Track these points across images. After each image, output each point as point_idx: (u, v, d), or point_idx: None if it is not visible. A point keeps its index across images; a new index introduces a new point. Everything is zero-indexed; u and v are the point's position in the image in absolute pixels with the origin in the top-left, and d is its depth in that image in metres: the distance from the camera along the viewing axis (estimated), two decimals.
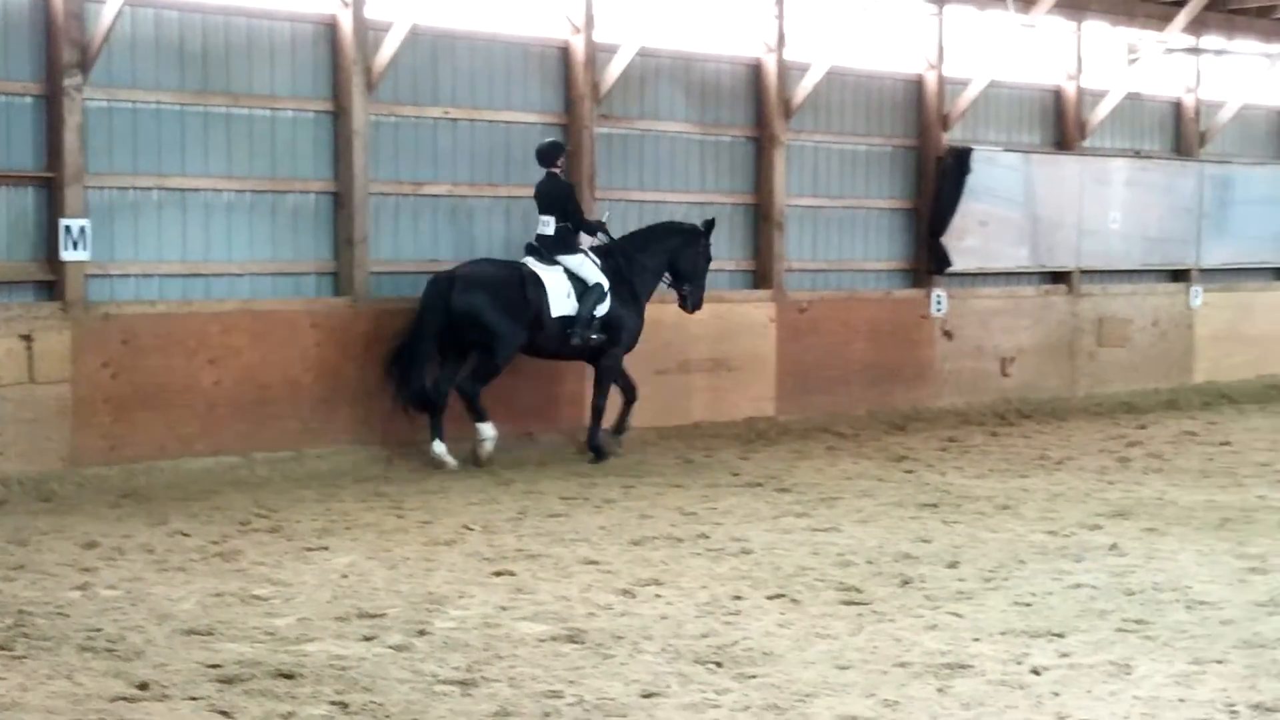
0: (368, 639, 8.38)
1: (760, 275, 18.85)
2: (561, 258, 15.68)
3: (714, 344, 17.99)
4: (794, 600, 9.29)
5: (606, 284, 15.78)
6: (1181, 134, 23.49)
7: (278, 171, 15.35)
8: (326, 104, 15.58)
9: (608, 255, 16.07)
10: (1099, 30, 21.98)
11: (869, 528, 11.79)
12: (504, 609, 9.08)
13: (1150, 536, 11.33)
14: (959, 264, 20.36)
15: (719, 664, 7.87)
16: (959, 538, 11.33)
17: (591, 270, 15.78)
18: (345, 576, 10.02)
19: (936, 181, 20.27)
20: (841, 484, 14.09)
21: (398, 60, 15.74)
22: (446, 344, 15.23)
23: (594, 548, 11.00)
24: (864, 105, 19.93)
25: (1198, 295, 23.17)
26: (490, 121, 16.77)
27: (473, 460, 15.12)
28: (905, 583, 9.76)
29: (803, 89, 18.82)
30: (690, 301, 16.59)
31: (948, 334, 20.16)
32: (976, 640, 8.31)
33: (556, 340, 15.59)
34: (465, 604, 9.21)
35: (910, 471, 14.97)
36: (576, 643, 8.28)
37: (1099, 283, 22.15)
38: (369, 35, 15.58)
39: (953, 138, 20.48)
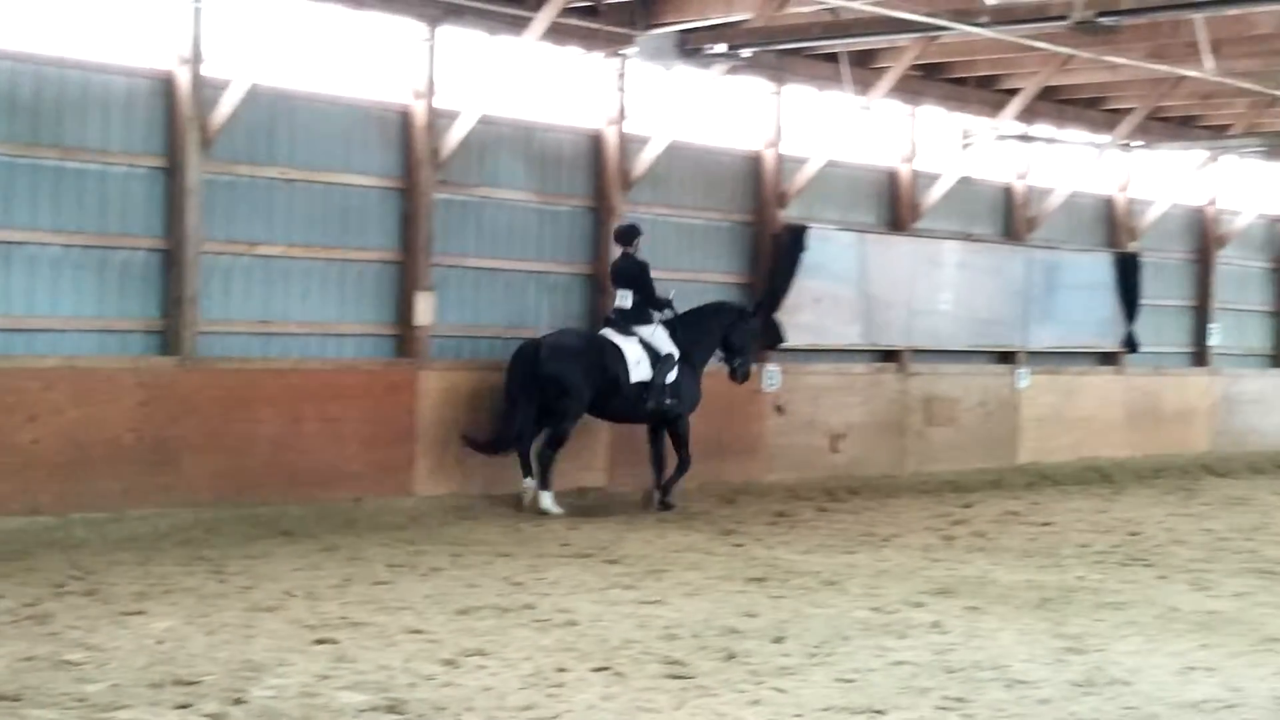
0: (182, 707, 8.18)
1: None
2: (637, 329, 17.34)
3: None
4: (618, 673, 9.23)
5: (677, 354, 17.36)
6: (1011, 219, 23.97)
7: (107, 227, 15.11)
8: (160, 160, 15.38)
9: (672, 328, 17.58)
10: (934, 115, 22.42)
11: (696, 601, 11.78)
12: (324, 678, 8.92)
13: (972, 615, 11.44)
14: (792, 340, 20.57)
15: None
16: (785, 613, 11.36)
17: (664, 341, 17.41)
18: (162, 642, 9.79)
19: (772, 258, 20.48)
20: (670, 556, 14.08)
21: (235, 119, 15.59)
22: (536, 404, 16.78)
23: (419, 616, 10.87)
24: (702, 180, 20.10)
25: (1024, 377, 23.58)
26: (328, 184, 16.66)
27: (522, 505, 16.68)
28: (730, 657, 9.75)
29: (642, 161, 18.95)
30: (739, 373, 18.18)
31: (779, 409, 20.30)
32: (799, 716, 8.31)
33: (631, 404, 17.18)
34: (284, 672, 9.04)
35: (739, 545, 15.00)
36: (397, 713, 8.16)
37: (928, 362, 22.47)
38: (206, 93, 15.42)
39: (789, 215, 20.72)
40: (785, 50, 19.35)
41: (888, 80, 20.17)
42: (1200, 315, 27.26)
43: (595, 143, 18.91)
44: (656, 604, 11.60)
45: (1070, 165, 24.12)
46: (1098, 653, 10.10)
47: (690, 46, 17.65)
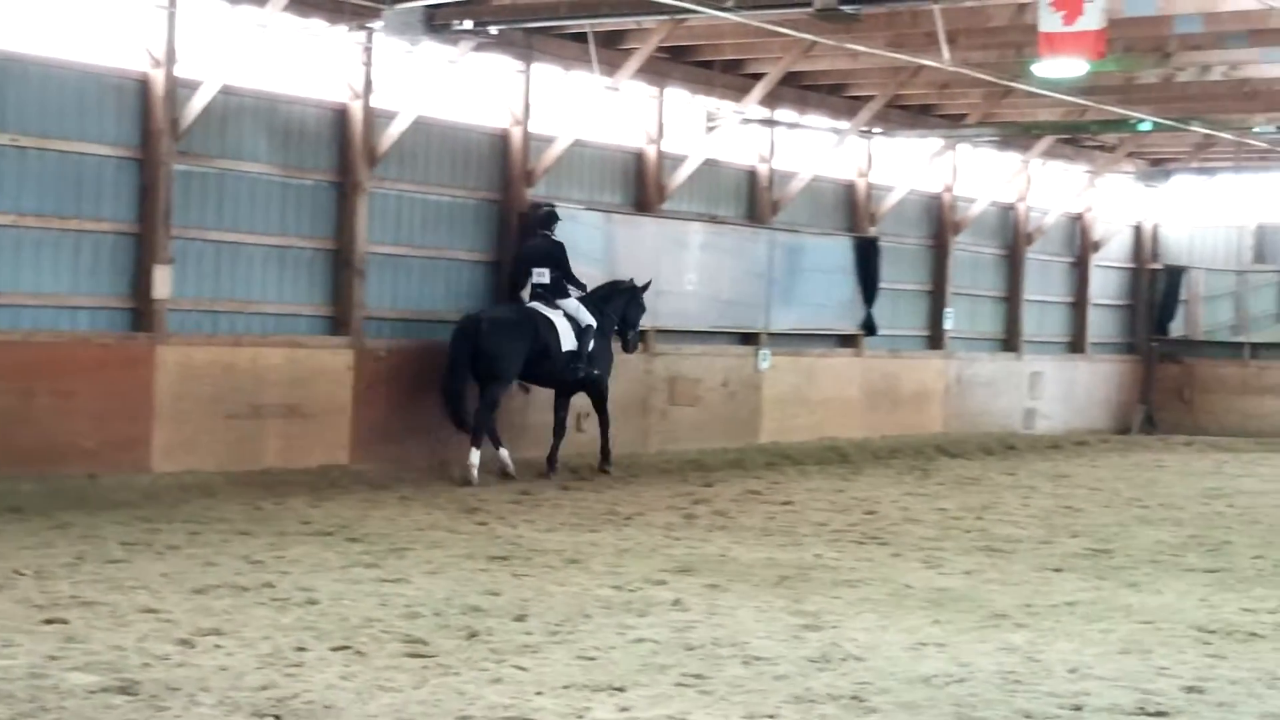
0: None
1: (339, 321, 18.67)
2: (561, 303, 19.16)
3: (289, 389, 17.71)
4: (359, 652, 9.14)
5: (595, 324, 19.24)
6: (755, 201, 24.29)
7: None
8: None
9: (586, 304, 19.40)
10: (680, 97, 22.59)
11: (438, 579, 11.73)
12: (53, 658, 8.66)
13: (712, 593, 11.57)
14: None
15: (278, 717, 7.66)
16: (527, 591, 11.36)
17: (585, 314, 19.29)
18: None
19: (519, 236, 20.44)
20: (413, 535, 13.99)
21: None
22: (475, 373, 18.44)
23: (154, 596, 10.63)
24: (450, 157, 19.98)
25: (766, 358, 23.93)
26: (62, 152, 16.18)
27: (462, 480, 17.92)
28: (472, 635, 9.72)
29: (388, 137, 18.77)
30: (632, 344, 20.44)
31: (524, 388, 20.26)
32: (539, 694, 8.31)
33: (561, 369, 19.02)
34: (11, 653, 8.76)
35: (482, 524, 14.97)
36: (129, 694, 7.96)
37: (673, 342, 22.67)
38: None
39: (536, 194, 20.70)
40: (533, 28, 19.31)
41: (635, 61, 20.28)
42: (936, 300, 27.95)
43: (341, 116, 18.68)
44: (398, 582, 11.52)
45: (813, 150, 24.53)
46: (833, 629, 10.29)
47: (437, 22, 17.53)
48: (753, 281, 23.81)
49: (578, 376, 19.23)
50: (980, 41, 20.33)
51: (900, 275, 27.03)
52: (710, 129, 22.72)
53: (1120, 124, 24.35)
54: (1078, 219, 31.37)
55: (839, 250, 25.41)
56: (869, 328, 25.84)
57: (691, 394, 22.67)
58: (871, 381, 25.99)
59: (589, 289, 19.74)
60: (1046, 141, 28.20)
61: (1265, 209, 32.22)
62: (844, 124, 24.52)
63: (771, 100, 23.20)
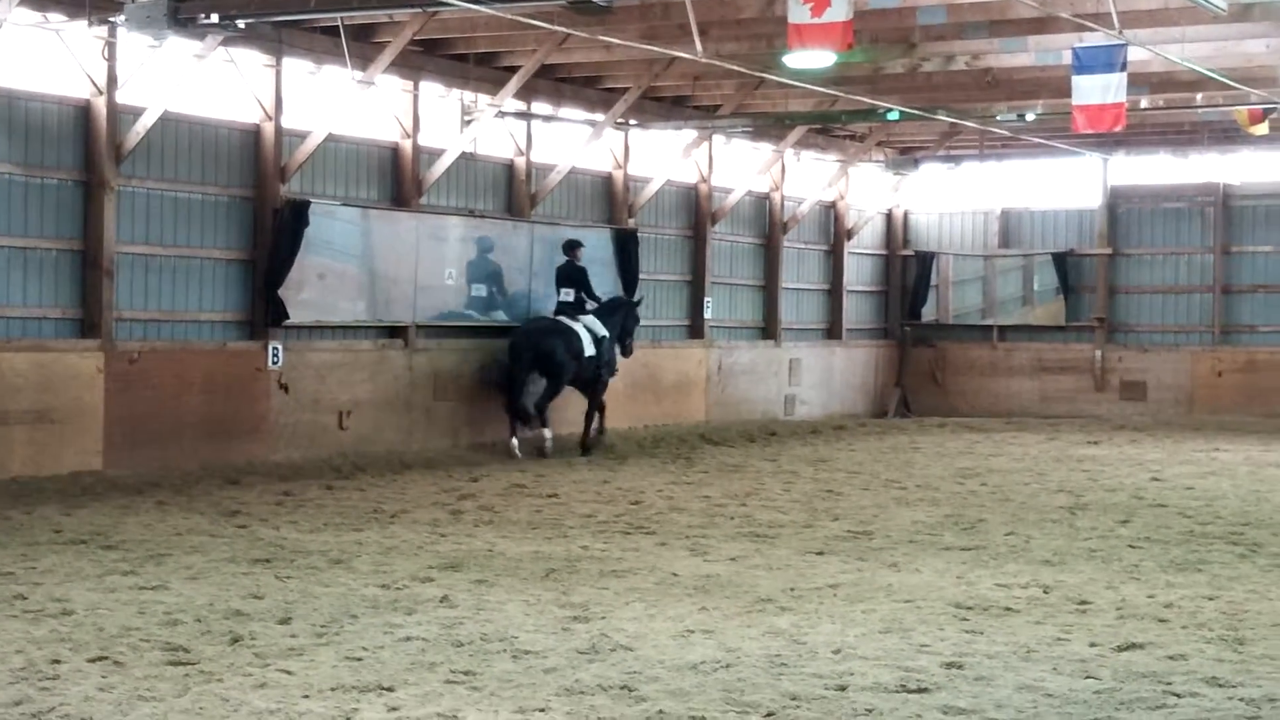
0: None
1: (88, 324, 18.19)
2: (581, 317, 22.81)
3: (36, 395, 17.22)
4: (117, 662, 8.92)
5: (609, 335, 23.00)
6: (514, 195, 24.23)
7: None
8: None
9: (598, 315, 23.07)
10: (435, 91, 22.45)
11: (199, 585, 11.49)
12: None
13: (480, 588, 11.53)
14: (296, 317, 20.30)
15: None
16: (292, 593, 11.20)
17: (599, 325, 22.98)
18: None
19: (274, 233, 20.13)
20: (171, 540, 13.69)
21: None
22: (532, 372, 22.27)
23: None
24: (200, 153, 19.59)
25: None
26: None
27: (540, 453, 22.01)
28: (235, 640, 9.54)
29: (135, 134, 18.33)
30: (627, 349, 23.91)
31: (284, 387, 20.02)
32: (306, 697, 8.20)
33: (587, 372, 22.70)
34: None
35: (244, 526, 14.71)
36: None
37: (435, 337, 22.52)
38: None
39: (291, 190, 20.40)
40: (283, 22, 19.01)
41: (388, 55, 20.06)
42: (696, 289, 28.17)
43: (84, 113, 18.18)
44: (157, 589, 11.28)
45: (570, 143, 24.55)
46: (602, 620, 10.32)
47: (182, 16, 17.10)
48: (514, 275, 23.77)
49: (599, 377, 22.83)
50: (732, 33, 20.53)
51: (660, 266, 27.21)
52: (466, 122, 22.61)
53: (869, 114, 24.79)
54: (831, 207, 31.90)
55: (599, 242, 25.45)
56: None
57: (456, 389, 22.56)
58: (634, 372, 26.08)
59: (609, 301, 23.46)
60: (799, 132, 28.62)
61: (1009, 194, 33.10)
62: (600, 116, 24.58)
63: (527, 93, 23.19)
